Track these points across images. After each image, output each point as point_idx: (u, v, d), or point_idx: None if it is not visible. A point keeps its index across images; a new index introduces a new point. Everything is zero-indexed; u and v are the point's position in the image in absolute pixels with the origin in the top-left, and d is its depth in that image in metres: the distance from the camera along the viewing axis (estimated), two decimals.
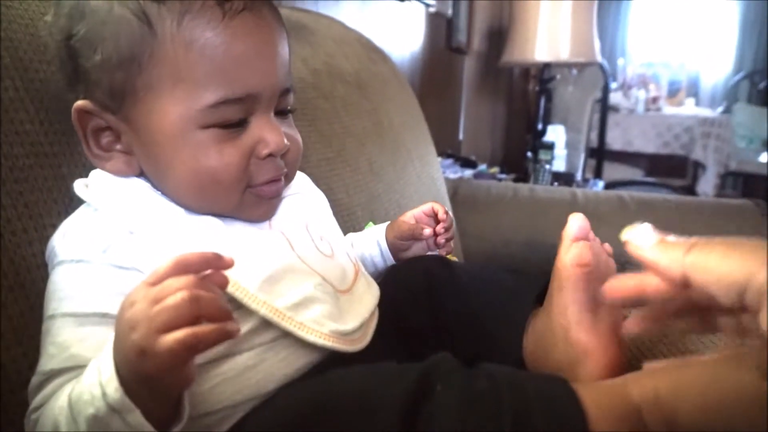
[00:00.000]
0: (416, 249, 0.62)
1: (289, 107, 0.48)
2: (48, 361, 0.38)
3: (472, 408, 0.34)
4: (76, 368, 0.36)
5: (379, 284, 0.55)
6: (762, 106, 3.82)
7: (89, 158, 0.45)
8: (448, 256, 0.69)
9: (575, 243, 0.45)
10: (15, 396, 0.39)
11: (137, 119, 0.43)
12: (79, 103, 0.43)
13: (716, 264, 0.30)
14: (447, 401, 0.34)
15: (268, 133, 0.44)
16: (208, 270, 0.34)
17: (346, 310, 0.47)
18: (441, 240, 0.61)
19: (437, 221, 0.61)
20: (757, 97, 3.97)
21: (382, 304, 0.52)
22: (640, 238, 0.34)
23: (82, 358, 0.36)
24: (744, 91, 4.03)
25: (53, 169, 0.46)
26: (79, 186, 0.44)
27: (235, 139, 0.43)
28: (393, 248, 0.62)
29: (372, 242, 0.63)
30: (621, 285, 0.35)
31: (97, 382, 0.32)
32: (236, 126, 0.43)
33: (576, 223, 0.46)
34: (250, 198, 0.45)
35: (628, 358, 0.46)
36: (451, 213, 0.63)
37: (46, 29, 0.45)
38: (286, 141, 0.45)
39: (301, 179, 0.57)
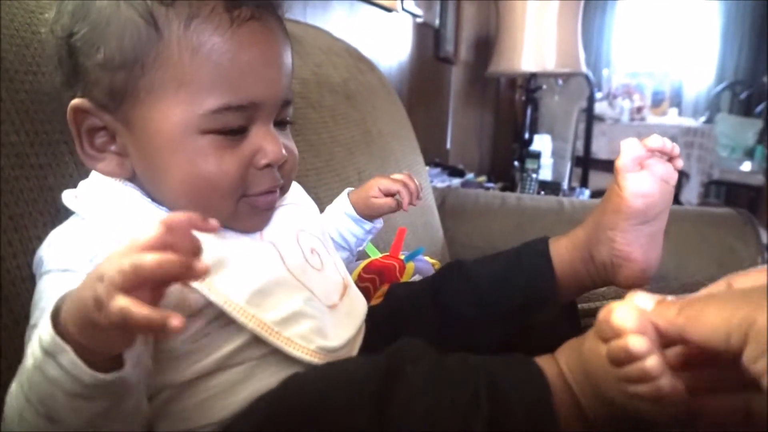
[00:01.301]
0: (388, 208, 0.65)
1: (288, 118, 0.48)
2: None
3: (445, 383, 0.35)
4: None
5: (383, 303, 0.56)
6: (743, 116, 3.89)
7: (81, 158, 0.44)
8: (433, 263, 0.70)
9: (634, 173, 0.49)
10: None
11: (136, 120, 0.42)
12: (76, 101, 0.42)
13: (711, 315, 0.29)
14: (417, 379, 0.35)
15: (268, 143, 0.43)
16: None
17: (333, 325, 0.47)
18: (414, 202, 0.64)
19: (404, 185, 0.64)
20: (738, 107, 4.04)
21: (383, 322, 0.53)
22: (640, 302, 0.33)
23: None
24: (726, 101, 4.11)
25: (39, 180, 0.46)
26: (68, 196, 0.44)
27: (234, 147, 0.43)
28: (365, 214, 0.65)
29: (345, 218, 0.65)
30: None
31: (36, 339, 0.32)
32: (236, 134, 0.43)
33: (630, 152, 0.50)
34: (245, 208, 0.45)
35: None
36: (440, 230, 0.64)
37: (46, 26, 0.44)
38: (284, 152, 0.44)
39: (294, 189, 0.57)
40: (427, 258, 0.74)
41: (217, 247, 0.44)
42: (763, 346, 0.27)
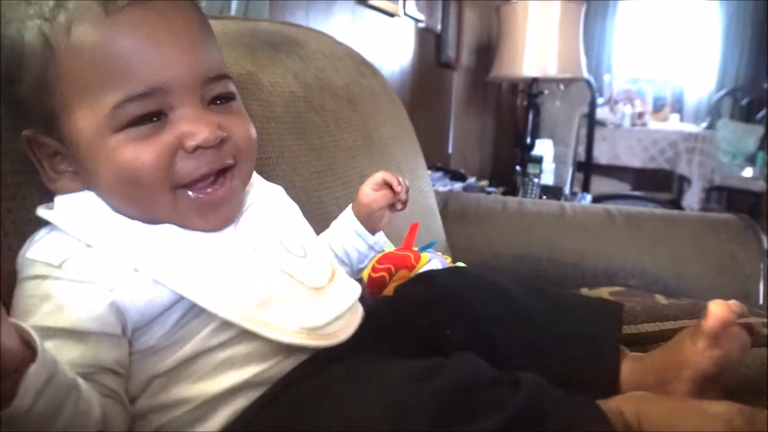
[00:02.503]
0: (388, 216, 0.64)
1: (227, 94, 0.45)
2: None
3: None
4: None
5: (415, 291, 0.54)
6: (745, 122, 3.90)
7: (45, 183, 0.44)
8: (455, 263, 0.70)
9: (717, 342, 0.45)
10: None
11: (64, 138, 0.42)
12: (25, 132, 0.43)
13: None
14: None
15: (191, 124, 0.41)
16: None
17: (318, 306, 0.46)
18: (400, 205, 0.63)
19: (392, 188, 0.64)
20: (739, 113, 4.05)
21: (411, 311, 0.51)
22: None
23: None
24: (727, 107, 4.11)
25: (41, 186, 0.46)
26: (41, 210, 0.44)
27: (152, 136, 0.41)
28: (370, 225, 0.64)
29: (348, 231, 0.64)
30: None
31: None
32: (151, 123, 0.41)
33: (718, 314, 0.45)
34: (187, 202, 0.43)
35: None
36: (442, 234, 0.64)
37: None
38: (218, 132, 0.42)
39: (272, 189, 0.56)
40: (439, 253, 0.74)
41: (184, 244, 0.43)
42: None
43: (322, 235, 0.65)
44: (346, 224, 0.64)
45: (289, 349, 0.43)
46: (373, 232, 0.64)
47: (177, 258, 0.43)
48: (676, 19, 4.19)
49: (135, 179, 0.41)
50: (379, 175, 0.63)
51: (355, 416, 0.35)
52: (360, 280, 0.63)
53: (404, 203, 0.64)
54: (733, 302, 0.46)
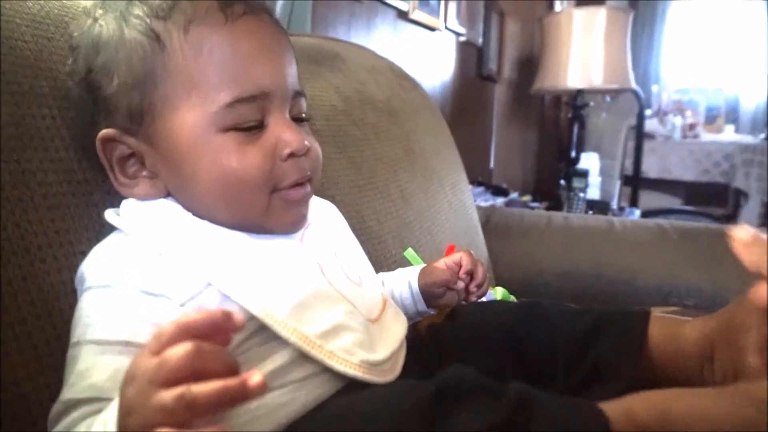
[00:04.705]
0: (449, 297, 0.61)
1: (303, 114, 0.48)
2: (68, 390, 0.37)
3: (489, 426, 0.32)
4: (94, 400, 0.35)
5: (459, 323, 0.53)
6: None
7: (117, 189, 0.45)
8: (498, 292, 0.66)
9: None
10: (36, 427, 0.38)
11: (158, 135, 0.43)
12: (102, 132, 0.43)
13: None
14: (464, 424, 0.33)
15: (287, 132, 0.44)
16: (217, 332, 0.30)
17: (376, 339, 0.45)
18: (473, 289, 0.60)
19: (469, 273, 0.60)
20: None
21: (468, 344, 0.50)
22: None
23: (101, 388, 0.35)
24: None
25: (85, 196, 0.47)
26: (110, 214, 0.44)
27: (255, 141, 0.43)
28: (426, 294, 0.61)
29: (403, 282, 0.62)
30: None
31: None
32: (254, 128, 0.43)
33: None
34: (278, 203, 0.45)
35: None
36: (485, 250, 0.62)
37: (67, 77, 0.47)
38: (306, 142, 0.44)
39: (327, 207, 0.57)
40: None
41: (256, 258, 0.43)
42: None
43: (381, 274, 0.63)
44: (408, 280, 0.62)
45: (337, 376, 0.42)
46: (428, 304, 0.61)
47: (249, 274, 0.42)
48: (727, 25, 4.03)
49: (240, 179, 0.42)
50: (459, 254, 0.61)
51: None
52: None
53: (468, 294, 0.60)
54: None
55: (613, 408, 0.35)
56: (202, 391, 0.27)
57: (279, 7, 1.10)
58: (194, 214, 0.44)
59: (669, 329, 0.49)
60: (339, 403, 0.38)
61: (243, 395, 0.28)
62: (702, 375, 0.46)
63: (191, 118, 0.42)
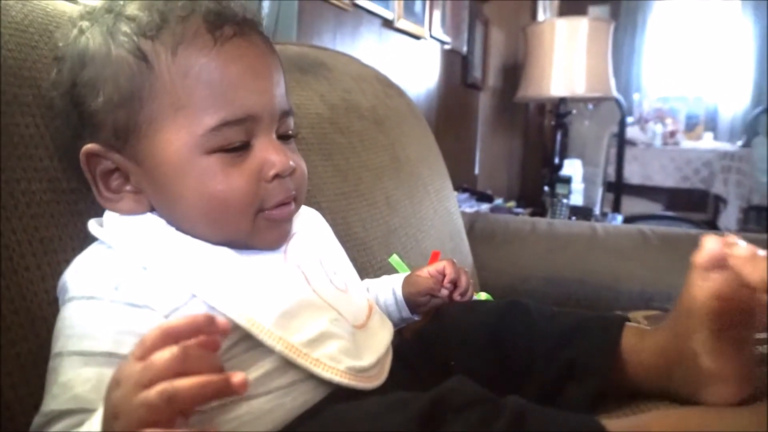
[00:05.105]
0: (433, 304, 0.61)
1: (290, 131, 0.48)
2: (50, 402, 0.36)
3: None
4: (77, 411, 0.35)
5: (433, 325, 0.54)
6: None
7: (100, 202, 0.45)
8: (480, 295, 0.67)
9: (710, 274, 0.42)
10: None
11: (143, 154, 0.43)
12: (87, 146, 0.43)
13: None
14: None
15: (273, 153, 0.44)
16: (201, 336, 0.31)
17: (362, 345, 0.46)
18: (457, 298, 0.60)
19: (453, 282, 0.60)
20: None
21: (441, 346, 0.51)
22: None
23: (84, 399, 0.35)
24: (764, 124, 3.98)
25: (70, 205, 0.46)
26: (93, 225, 0.44)
27: (240, 163, 0.43)
28: (410, 303, 0.61)
29: (388, 290, 0.62)
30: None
31: None
32: (240, 149, 0.43)
33: (711, 248, 0.42)
34: (263, 223, 0.45)
35: (757, 387, 0.45)
36: (470, 256, 0.63)
37: (51, 87, 0.46)
38: (291, 162, 0.45)
39: (312, 215, 0.57)
40: None
41: (240, 270, 0.43)
42: None
43: (365, 281, 0.64)
44: (391, 287, 0.62)
45: (323, 382, 0.42)
46: (413, 312, 0.61)
47: (234, 285, 0.42)
48: (707, 35, 4.11)
49: (225, 201, 0.42)
50: (442, 264, 0.61)
51: None
52: None
53: (449, 302, 0.60)
54: (728, 237, 0.42)
55: (621, 424, 0.35)
56: (183, 385, 0.28)
57: (266, 8, 1.10)
58: (178, 230, 0.44)
59: (635, 341, 0.50)
60: (329, 415, 0.38)
61: (225, 391, 0.29)
62: (668, 384, 0.47)
63: (177, 139, 0.42)
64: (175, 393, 0.28)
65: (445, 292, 0.60)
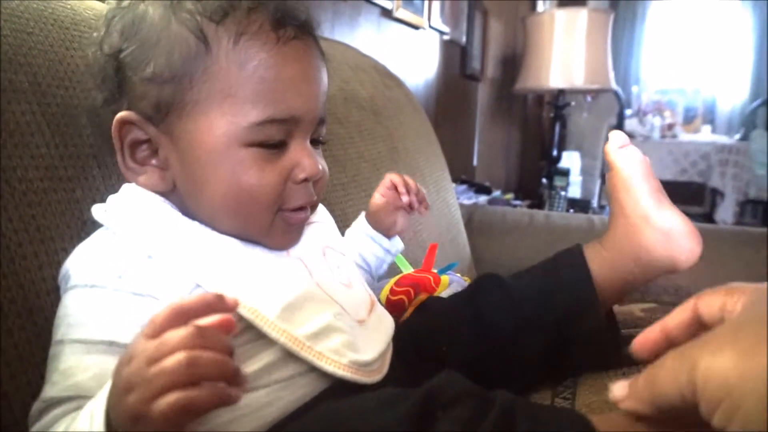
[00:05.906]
0: (401, 221, 0.66)
1: (321, 138, 0.48)
2: (50, 389, 0.36)
3: None
4: (76, 398, 0.35)
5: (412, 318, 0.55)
6: None
7: (123, 171, 0.44)
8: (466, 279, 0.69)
9: (624, 148, 0.54)
10: (18, 427, 0.38)
11: (180, 132, 0.43)
12: (123, 113, 0.43)
13: (663, 380, 0.29)
14: (447, 427, 0.33)
15: (306, 157, 0.44)
16: (211, 314, 0.31)
17: (364, 340, 0.46)
18: (415, 204, 0.65)
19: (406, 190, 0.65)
20: None
21: (416, 336, 0.52)
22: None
23: (84, 387, 0.35)
24: (762, 117, 3.99)
25: (67, 193, 0.46)
26: (98, 210, 0.44)
27: (274, 160, 0.43)
28: (384, 230, 0.66)
29: (362, 239, 0.66)
30: (647, 336, 0.36)
31: (86, 422, 0.31)
32: (276, 148, 0.43)
33: (619, 136, 0.55)
34: (280, 223, 0.45)
35: None
36: (467, 247, 0.64)
37: (93, 44, 0.45)
38: (320, 169, 0.45)
39: (317, 208, 0.57)
40: (458, 274, 0.72)
41: (245, 262, 0.43)
42: (713, 401, 0.25)
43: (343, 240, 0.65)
44: (360, 230, 0.65)
45: (323, 376, 0.42)
46: (388, 237, 0.65)
47: (238, 276, 0.42)
48: (706, 28, 4.10)
49: (253, 195, 0.43)
50: (387, 179, 0.64)
51: None
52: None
53: (413, 206, 0.65)
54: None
55: (610, 422, 0.35)
56: (204, 353, 0.29)
57: None
58: (187, 213, 0.44)
59: (598, 258, 0.55)
60: (324, 410, 0.38)
61: (233, 381, 0.30)
62: (641, 271, 0.54)
63: (219, 127, 0.42)
64: (196, 358, 0.28)
65: (405, 198, 0.64)
